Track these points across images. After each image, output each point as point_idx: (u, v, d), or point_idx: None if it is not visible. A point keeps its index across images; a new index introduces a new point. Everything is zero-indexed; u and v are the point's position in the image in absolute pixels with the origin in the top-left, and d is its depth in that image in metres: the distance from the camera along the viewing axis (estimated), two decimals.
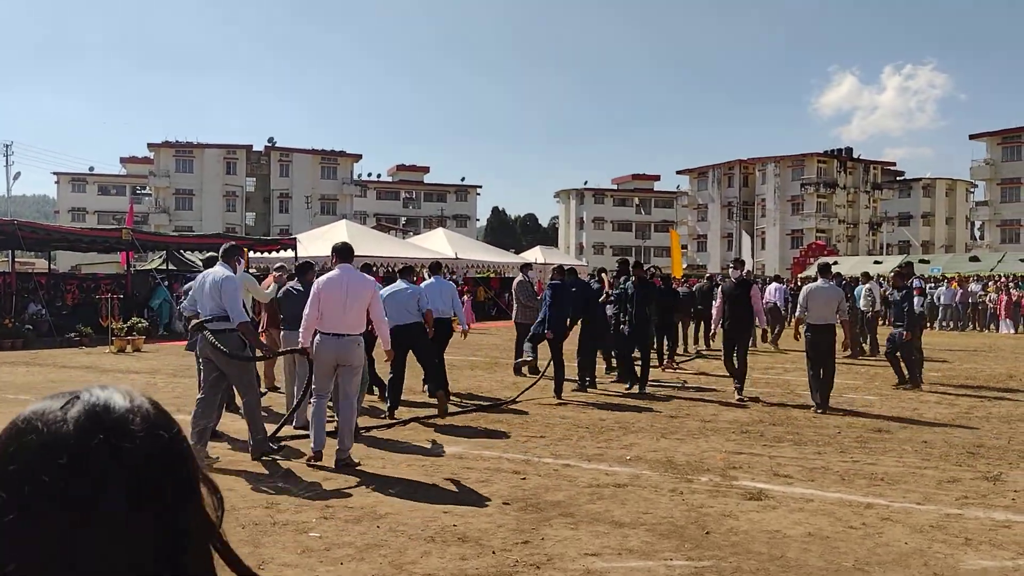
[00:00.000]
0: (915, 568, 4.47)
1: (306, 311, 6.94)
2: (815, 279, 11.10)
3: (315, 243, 29.32)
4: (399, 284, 9.59)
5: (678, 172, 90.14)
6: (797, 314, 11.18)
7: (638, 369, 11.58)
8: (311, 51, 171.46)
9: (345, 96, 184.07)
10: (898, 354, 12.05)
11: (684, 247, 76.76)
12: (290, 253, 24.72)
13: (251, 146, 78.47)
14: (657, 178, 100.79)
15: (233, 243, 7.79)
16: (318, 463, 6.89)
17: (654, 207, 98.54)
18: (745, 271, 11.92)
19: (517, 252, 49.26)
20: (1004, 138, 67.39)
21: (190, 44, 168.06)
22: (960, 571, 4.42)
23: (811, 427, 8.82)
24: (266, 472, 6.69)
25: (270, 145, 79.60)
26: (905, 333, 11.82)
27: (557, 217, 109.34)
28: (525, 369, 12.59)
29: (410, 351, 9.41)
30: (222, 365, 7.11)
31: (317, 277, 7.59)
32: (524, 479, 6.44)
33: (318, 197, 78.77)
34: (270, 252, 25.59)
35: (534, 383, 11.11)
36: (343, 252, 7.17)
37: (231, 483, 6.24)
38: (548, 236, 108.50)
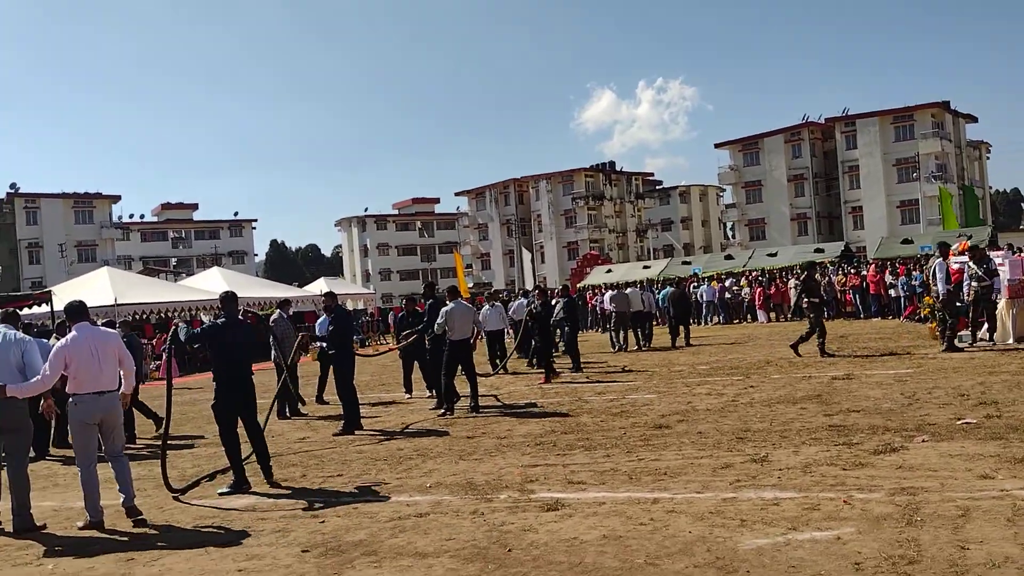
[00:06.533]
0: (699, 555, 4.78)
1: (46, 373, 6.63)
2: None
3: (74, 295, 26.97)
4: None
5: (457, 194, 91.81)
6: (436, 330, 11.66)
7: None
8: (50, 87, 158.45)
9: (95, 134, 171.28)
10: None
11: (469, 267, 78.25)
12: (45, 308, 22.56)
13: None
14: (437, 201, 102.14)
15: (13, 308, 7.43)
16: (96, 530, 6.50)
17: (437, 229, 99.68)
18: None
19: (301, 285, 48.01)
20: (744, 145, 74.60)
21: None
22: (739, 552, 4.78)
23: (599, 432, 9.22)
24: (41, 545, 6.02)
25: (13, 191, 72.61)
26: None
27: (340, 246, 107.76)
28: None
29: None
30: (6, 429, 6.76)
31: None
32: (323, 522, 6.24)
33: (74, 244, 72.69)
34: (21, 308, 23.20)
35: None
36: (77, 311, 6.97)
37: None
38: (332, 266, 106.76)
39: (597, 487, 6.66)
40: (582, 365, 16.45)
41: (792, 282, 28.92)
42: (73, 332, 6.80)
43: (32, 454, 8.80)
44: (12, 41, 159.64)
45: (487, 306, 18.10)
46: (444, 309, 11.69)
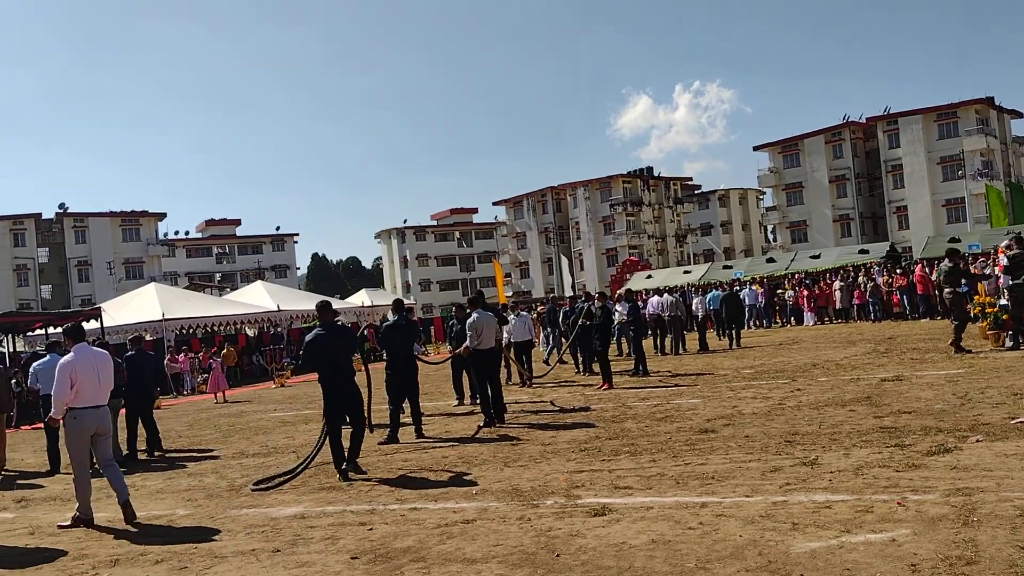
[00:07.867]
0: (751, 559, 4.72)
1: (58, 388, 7.20)
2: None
3: (122, 311, 27.59)
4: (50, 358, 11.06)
5: (495, 203, 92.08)
6: (468, 343, 11.43)
7: None
8: (96, 110, 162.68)
9: (140, 153, 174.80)
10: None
11: (508, 275, 78.41)
12: (94, 324, 23.06)
13: (40, 214, 72.98)
14: (475, 211, 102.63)
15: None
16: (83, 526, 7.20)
17: (475, 239, 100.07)
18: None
19: (342, 297, 48.47)
20: (784, 147, 73.76)
21: None
22: (791, 556, 4.71)
23: (644, 436, 9.16)
24: (95, 555, 6.15)
25: (62, 211, 74.37)
26: None
27: (380, 258, 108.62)
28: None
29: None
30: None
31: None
32: (371, 529, 6.28)
33: (121, 261, 74.25)
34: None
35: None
36: (77, 333, 7.71)
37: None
38: (373, 278, 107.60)
39: (644, 492, 6.61)
40: (647, 369, 16.37)
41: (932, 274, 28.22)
42: (73, 352, 7.41)
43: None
44: (62, 70, 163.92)
45: (513, 316, 17.20)
46: (469, 321, 11.57)
